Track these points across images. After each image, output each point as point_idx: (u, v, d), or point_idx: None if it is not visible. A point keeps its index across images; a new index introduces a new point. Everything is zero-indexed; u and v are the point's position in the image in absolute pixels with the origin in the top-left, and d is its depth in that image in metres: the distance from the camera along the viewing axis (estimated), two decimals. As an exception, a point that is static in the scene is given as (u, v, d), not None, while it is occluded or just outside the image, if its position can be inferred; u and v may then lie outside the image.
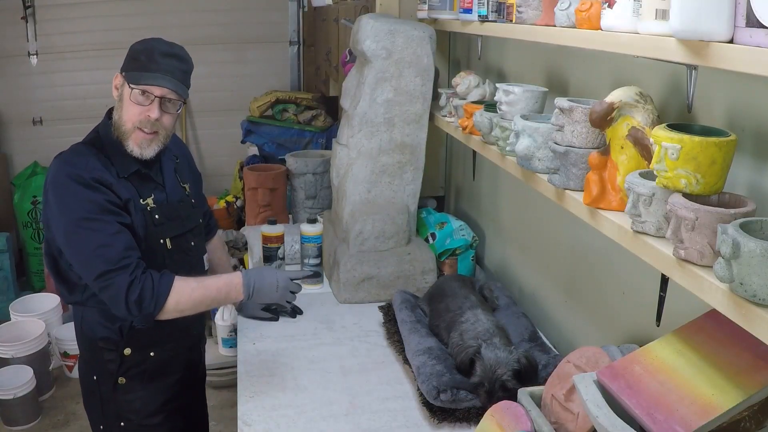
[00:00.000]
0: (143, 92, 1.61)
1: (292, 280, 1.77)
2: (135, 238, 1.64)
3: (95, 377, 1.76)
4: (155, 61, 1.62)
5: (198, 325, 1.91)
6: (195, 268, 1.82)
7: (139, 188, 1.68)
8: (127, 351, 1.72)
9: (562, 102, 1.35)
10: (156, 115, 1.63)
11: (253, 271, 1.74)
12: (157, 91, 1.62)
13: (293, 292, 1.78)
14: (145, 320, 1.64)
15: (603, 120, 1.23)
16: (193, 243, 1.81)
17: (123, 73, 1.65)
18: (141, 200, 1.67)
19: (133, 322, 1.69)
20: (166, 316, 1.60)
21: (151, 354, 1.75)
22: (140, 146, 1.65)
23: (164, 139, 1.70)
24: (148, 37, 1.72)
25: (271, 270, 1.77)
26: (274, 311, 2.06)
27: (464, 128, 1.95)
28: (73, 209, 1.57)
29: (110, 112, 1.73)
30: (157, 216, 1.69)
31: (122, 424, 1.77)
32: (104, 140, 1.68)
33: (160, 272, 1.60)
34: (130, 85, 1.61)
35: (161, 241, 1.70)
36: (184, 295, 1.59)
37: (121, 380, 1.74)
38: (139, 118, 1.63)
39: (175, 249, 1.73)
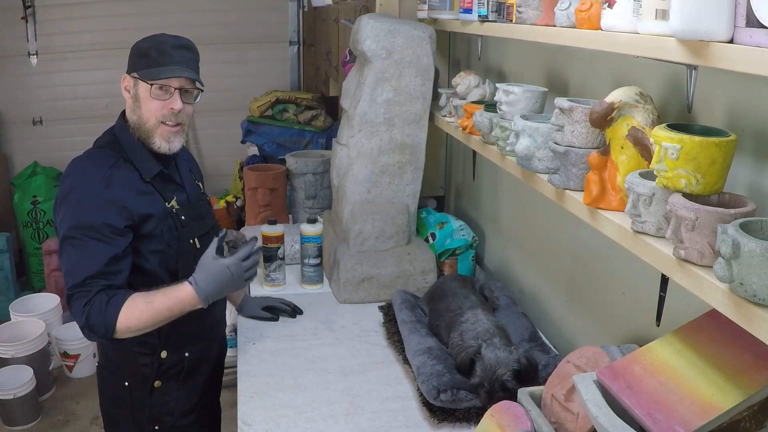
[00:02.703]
0: (162, 86, 1.62)
1: (243, 260, 1.65)
2: (161, 243, 1.65)
3: (127, 383, 1.74)
4: (168, 54, 1.62)
5: (223, 321, 1.94)
6: None
7: (163, 191, 1.69)
8: (164, 354, 1.72)
9: (562, 102, 1.35)
10: (179, 106, 1.64)
11: (201, 276, 1.61)
12: (176, 82, 1.63)
13: (249, 270, 1.67)
14: (105, 340, 1.59)
15: (603, 120, 1.23)
16: None
17: (134, 73, 1.65)
18: (167, 203, 1.68)
19: (170, 324, 1.68)
20: (123, 337, 1.56)
21: (186, 354, 1.76)
22: (167, 140, 1.66)
23: (186, 130, 1.72)
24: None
25: (217, 264, 1.62)
26: (274, 311, 2.06)
27: (464, 128, 1.95)
28: (66, 224, 1.57)
29: (123, 113, 1.73)
30: (183, 217, 1.71)
31: (156, 427, 1.76)
32: (123, 143, 1.67)
33: (115, 292, 1.55)
34: (148, 81, 1.61)
35: (191, 241, 1.72)
36: (134, 318, 1.54)
37: (157, 383, 1.73)
38: (161, 112, 1.63)
39: (203, 248, 1.73)
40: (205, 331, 1.80)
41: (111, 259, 1.55)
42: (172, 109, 1.63)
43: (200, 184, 1.88)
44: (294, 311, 2.08)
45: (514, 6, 1.58)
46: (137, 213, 1.60)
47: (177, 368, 1.75)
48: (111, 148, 1.67)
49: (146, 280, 1.63)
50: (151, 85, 1.61)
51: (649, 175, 1.13)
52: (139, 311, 1.54)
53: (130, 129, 1.68)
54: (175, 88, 1.63)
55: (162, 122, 1.64)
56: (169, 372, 1.75)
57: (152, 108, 1.63)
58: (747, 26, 0.84)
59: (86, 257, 1.54)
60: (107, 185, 1.58)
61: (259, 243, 1.71)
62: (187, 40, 1.69)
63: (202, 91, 1.71)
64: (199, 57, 1.71)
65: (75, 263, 1.55)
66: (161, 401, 1.75)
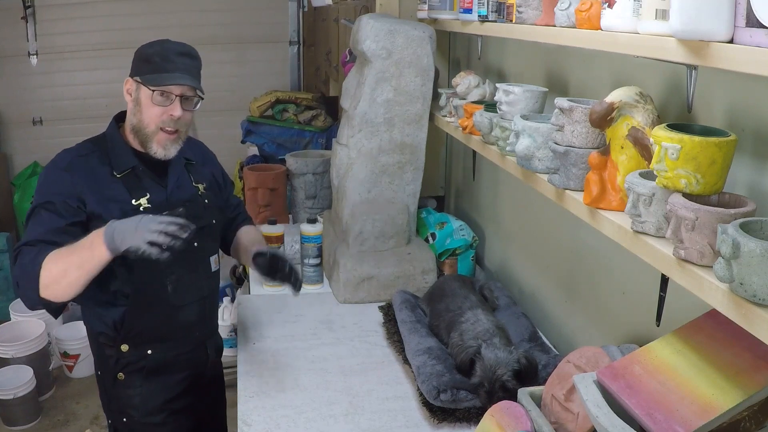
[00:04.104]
0: (163, 93, 1.65)
1: (161, 218, 1.50)
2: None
3: (100, 372, 1.80)
4: (171, 61, 1.65)
5: (201, 326, 1.85)
6: (197, 269, 1.79)
7: (133, 188, 1.68)
8: (125, 347, 1.73)
9: (562, 102, 1.35)
10: (179, 113, 1.66)
11: (120, 220, 1.52)
12: (177, 90, 1.65)
13: (161, 232, 1.46)
14: (33, 293, 1.53)
15: (603, 120, 1.23)
16: (196, 244, 1.76)
17: (136, 78, 1.67)
18: (133, 201, 1.67)
19: (123, 318, 1.70)
20: (52, 293, 1.51)
21: (149, 352, 1.75)
22: (164, 147, 1.69)
23: (184, 136, 1.74)
24: (148, 37, 1.73)
25: (140, 215, 1.53)
26: (279, 273, 1.84)
27: (464, 128, 1.95)
28: (33, 198, 1.64)
29: (118, 115, 1.75)
30: (180, 209, 1.68)
31: (124, 419, 1.79)
32: (107, 138, 1.73)
33: (39, 251, 1.53)
34: (150, 87, 1.64)
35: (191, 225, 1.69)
36: (52, 258, 1.50)
37: (120, 376, 1.75)
38: (161, 118, 1.66)
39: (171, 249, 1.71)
40: (171, 332, 1.77)
41: (56, 229, 1.57)
42: (171, 115, 1.66)
43: (200, 186, 1.83)
44: (296, 282, 1.83)
45: (514, 6, 1.58)
46: (89, 205, 1.62)
47: (139, 364, 1.75)
48: (92, 141, 1.73)
49: (99, 273, 1.57)
50: (153, 91, 1.64)
51: (649, 175, 1.13)
52: (58, 253, 1.51)
53: (120, 128, 1.73)
54: (176, 95, 1.66)
55: (161, 128, 1.67)
56: (131, 366, 1.75)
57: (153, 114, 1.66)
58: (747, 26, 0.84)
59: (36, 226, 1.58)
60: (66, 169, 1.64)
61: (188, 226, 1.51)
62: (190, 47, 1.72)
63: (203, 98, 1.73)
64: (201, 65, 1.73)
65: (27, 232, 1.59)
66: (126, 394, 1.77)
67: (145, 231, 1.46)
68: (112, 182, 1.67)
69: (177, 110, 1.66)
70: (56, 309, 1.61)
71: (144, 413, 1.78)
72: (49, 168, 1.67)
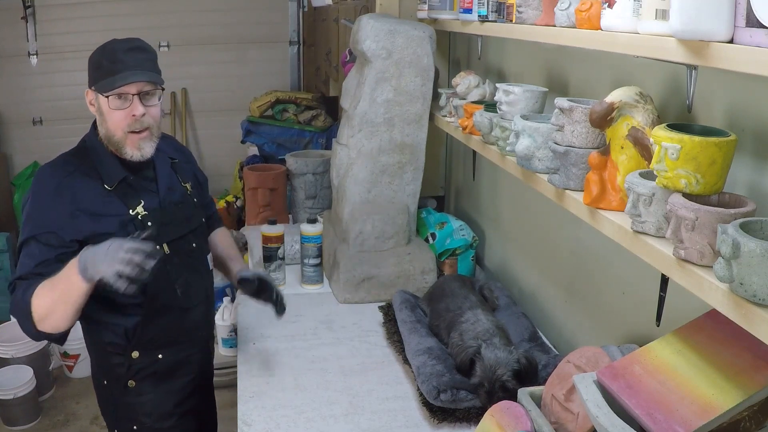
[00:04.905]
0: (119, 95, 1.57)
1: (128, 243, 1.43)
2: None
3: (106, 381, 1.76)
4: (120, 61, 1.57)
5: (205, 326, 1.87)
6: (199, 269, 1.80)
7: (126, 197, 1.65)
8: (135, 354, 1.71)
9: (562, 102, 1.35)
10: (140, 111, 1.59)
11: (90, 248, 1.47)
12: (133, 88, 1.58)
13: (128, 262, 1.39)
14: (33, 329, 1.54)
15: (603, 120, 1.23)
16: (194, 244, 1.78)
17: (92, 87, 1.61)
18: (130, 211, 1.64)
19: (135, 326, 1.68)
20: (48, 326, 1.52)
21: (159, 356, 1.74)
22: (138, 148, 1.62)
23: (156, 132, 1.67)
24: (147, 37, 1.71)
25: (110, 240, 1.46)
26: (265, 293, 1.84)
27: (464, 128, 1.95)
28: (22, 232, 1.61)
29: (95, 122, 1.70)
30: (149, 223, 1.65)
31: (135, 427, 1.76)
32: (90, 150, 1.66)
33: (28, 285, 1.53)
34: (104, 94, 1.57)
35: (157, 247, 1.64)
36: (40, 295, 1.50)
37: (131, 383, 1.73)
38: (126, 122, 1.59)
39: (174, 253, 1.70)
40: (181, 335, 1.76)
41: (46, 261, 1.54)
42: (134, 116, 1.59)
43: (188, 186, 1.81)
44: (279, 305, 1.84)
45: (514, 6, 1.58)
46: (85, 227, 1.58)
47: (150, 369, 1.74)
48: (76, 155, 1.66)
49: (99, 285, 1.52)
50: (108, 97, 1.57)
51: (649, 175, 1.13)
52: (42, 288, 1.50)
53: (102, 140, 1.66)
54: (133, 94, 1.58)
55: (129, 132, 1.61)
56: (142, 373, 1.73)
57: (116, 119, 1.59)
58: (747, 26, 0.85)
59: (27, 259, 1.57)
60: (56, 193, 1.58)
61: (154, 254, 1.44)
62: (139, 41, 1.64)
63: (164, 89, 1.66)
64: (155, 56, 1.66)
65: (20, 264, 1.58)
66: (137, 401, 1.75)
67: (113, 260, 1.40)
68: (105, 196, 1.62)
69: (138, 109, 1.58)
70: (59, 338, 1.58)
71: (155, 419, 1.77)
72: (37, 192, 1.60)
